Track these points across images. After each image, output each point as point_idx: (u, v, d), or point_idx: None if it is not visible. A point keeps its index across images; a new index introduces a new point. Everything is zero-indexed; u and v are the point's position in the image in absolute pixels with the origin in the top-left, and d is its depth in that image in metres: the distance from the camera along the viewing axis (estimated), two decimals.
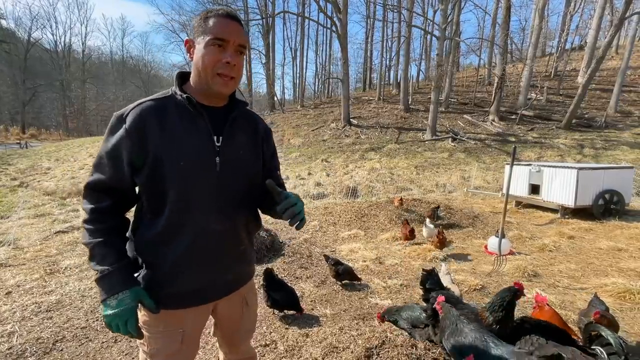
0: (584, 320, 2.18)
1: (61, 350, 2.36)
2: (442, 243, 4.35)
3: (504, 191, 5.59)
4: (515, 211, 6.94)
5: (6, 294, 3.16)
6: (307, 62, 35.37)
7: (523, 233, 5.21)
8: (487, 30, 29.51)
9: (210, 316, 1.26)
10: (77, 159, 16.29)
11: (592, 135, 13.85)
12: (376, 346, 2.02)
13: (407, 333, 2.20)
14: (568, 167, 6.12)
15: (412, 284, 3.42)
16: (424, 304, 2.37)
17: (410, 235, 4.70)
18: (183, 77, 1.13)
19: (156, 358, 1.11)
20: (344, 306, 3.00)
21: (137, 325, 0.99)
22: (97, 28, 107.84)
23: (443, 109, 18.30)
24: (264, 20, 24.83)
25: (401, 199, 6.41)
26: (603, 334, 1.68)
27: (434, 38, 18.53)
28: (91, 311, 2.86)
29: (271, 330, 2.59)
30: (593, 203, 5.97)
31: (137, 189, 1.07)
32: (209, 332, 2.25)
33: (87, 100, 44.16)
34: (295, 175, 11.25)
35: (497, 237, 4.17)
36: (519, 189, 6.94)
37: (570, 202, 5.98)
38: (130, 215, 1.10)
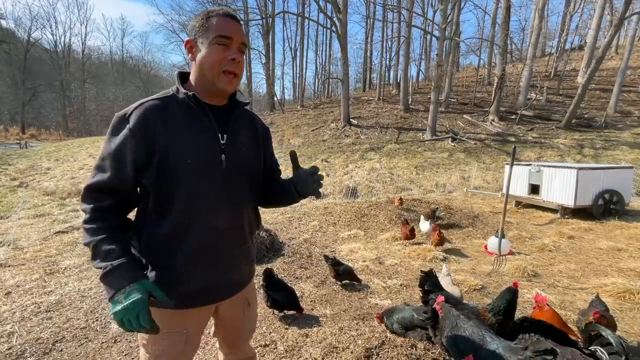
0: (582, 320, 2.18)
1: (61, 350, 2.35)
2: (441, 240, 4.39)
3: (504, 191, 5.59)
4: (515, 211, 6.94)
5: (6, 294, 3.16)
6: (307, 62, 35.46)
7: (523, 233, 5.21)
8: (487, 30, 29.50)
9: (211, 317, 1.26)
10: (77, 159, 16.28)
11: (591, 135, 13.86)
12: (376, 346, 2.02)
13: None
14: (568, 167, 6.12)
15: (412, 284, 3.42)
16: (416, 305, 2.39)
17: (410, 235, 4.70)
18: (183, 77, 1.13)
19: (160, 359, 1.10)
20: (344, 306, 3.00)
21: (151, 317, 0.90)
22: (97, 28, 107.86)
23: (443, 109, 18.30)
24: (263, 20, 24.82)
25: (401, 199, 6.42)
26: (603, 333, 1.68)
27: (433, 38, 18.53)
28: (91, 311, 2.85)
29: (271, 331, 2.59)
30: (593, 203, 5.98)
31: (138, 190, 1.07)
32: (208, 333, 2.24)
33: (87, 101, 44.15)
34: None
35: (497, 237, 4.17)
36: (519, 189, 6.94)
37: (570, 202, 5.98)
38: (130, 215, 1.10)
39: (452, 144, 14.28)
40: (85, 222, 0.98)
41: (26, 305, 2.93)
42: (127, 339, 2.48)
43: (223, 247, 1.12)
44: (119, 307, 0.88)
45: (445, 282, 2.79)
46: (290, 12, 28.33)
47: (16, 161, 15.81)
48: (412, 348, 1.98)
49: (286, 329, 2.62)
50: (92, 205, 0.98)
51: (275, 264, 3.87)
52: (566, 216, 6.15)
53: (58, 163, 15.65)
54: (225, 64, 1.03)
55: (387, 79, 31.05)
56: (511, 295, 1.89)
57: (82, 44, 43.91)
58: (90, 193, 1.00)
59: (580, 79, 17.32)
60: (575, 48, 28.36)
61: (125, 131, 0.97)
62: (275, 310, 2.79)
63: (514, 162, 4.96)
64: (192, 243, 1.05)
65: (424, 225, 4.78)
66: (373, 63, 34.34)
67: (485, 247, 4.52)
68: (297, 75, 31.24)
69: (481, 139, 14.63)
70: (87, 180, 1.01)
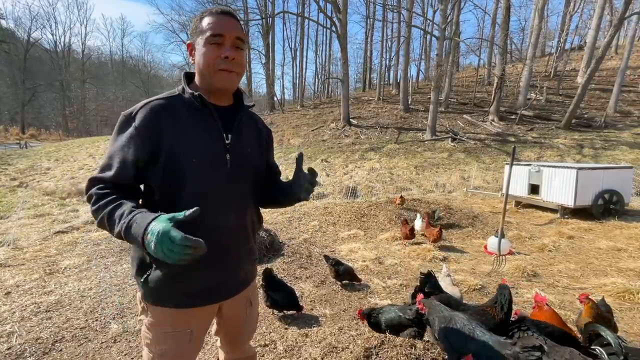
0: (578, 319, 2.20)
1: (60, 350, 2.35)
2: (438, 237, 4.52)
3: (504, 191, 5.59)
4: (515, 211, 6.94)
5: (5, 294, 3.16)
6: (306, 62, 35.46)
7: (522, 233, 5.21)
8: (486, 30, 29.54)
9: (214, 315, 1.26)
10: (77, 159, 16.28)
11: (591, 135, 13.86)
12: (375, 346, 2.02)
13: None
14: (567, 167, 6.13)
15: (412, 284, 3.41)
16: (400, 305, 2.42)
17: (410, 235, 4.70)
18: (189, 78, 1.14)
19: (164, 358, 1.10)
20: (344, 306, 3.00)
21: (184, 235, 0.80)
22: (96, 28, 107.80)
23: (443, 109, 18.31)
24: (263, 20, 24.82)
25: (402, 197, 6.43)
26: (602, 334, 1.67)
27: (433, 38, 18.53)
28: (90, 311, 2.85)
29: (270, 330, 2.59)
30: (592, 203, 5.98)
31: (142, 187, 1.07)
32: (209, 332, 2.25)
33: (87, 101, 44.11)
34: None
35: (497, 237, 4.17)
36: (519, 189, 6.95)
37: (569, 202, 5.98)
38: None
39: (452, 144, 14.28)
40: (92, 204, 0.95)
41: (26, 305, 2.93)
42: (126, 339, 2.48)
43: (227, 246, 1.12)
44: (152, 247, 0.81)
45: (445, 282, 2.79)
46: (290, 12, 28.38)
47: (16, 161, 15.81)
48: (412, 348, 1.98)
49: (286, 328, 2.62)
50: (95, 188, 0.97)
51: (275, 264, 3.87)
52: (566, 216, 6.15)
53: (58, 163, 15.65)
54: (219, 63, 1.03)
55: (387, 79, 31.08)
56: (508, 292, 1.98)
57: (82, 44, 43.98)
58: (94, 182, 0.98)
59: (580, 79, 17.33)
60: (575, 48, 28.37)
61: (130, 129, 0.98)
62: (274, 310, 2.79)
63: (514, 162, 4.97)
64: None
65: (418, 222, 4.93)
66: (373, 63, 34.40)
67: (485, 247, 4.52)
68: (297, 75, 31.29)
69: (481, 139, 14.63)
70: (92, 174, 1.01)
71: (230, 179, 1.09)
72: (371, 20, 30.35)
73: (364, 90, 32.80)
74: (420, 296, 2.03)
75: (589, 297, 2.30)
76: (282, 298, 2.70)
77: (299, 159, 1.16)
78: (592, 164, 9.50)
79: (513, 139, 14.20)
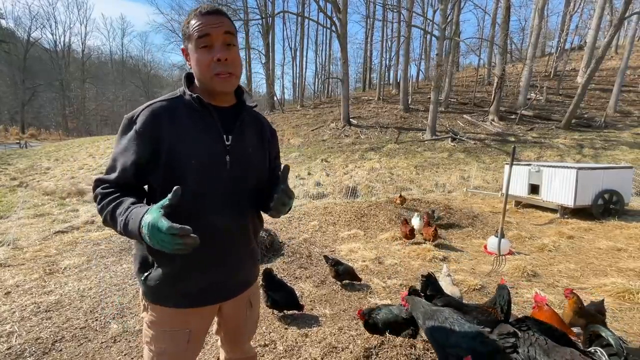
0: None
1: (60, 350, 2.35)
2: (434, 236, 4.60)
3: (504, 191, 5.59)
4: (515, 211, 6.94)
5: (5, 294, 3.16)
6: (306, 62, 35.45)
7: (522, 233, 5.21)
8: (486, 30, 29.53)
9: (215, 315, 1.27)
10: (77, 159, 16.29)
11: (591, 135, 13.86)
12: (375, 346, 2.02)
13: None
14: (567, 167, 6.13)
15: (412, 284, 3.41)
16: (382, 303, 2.44)
17: (410, 235, 4.70)
18: (190, 79, 1.14)
19: (162, 357, 1.11)
20: (343, 306, 3.00)
21: (170, 224, 0.80)
22: (96, 28, 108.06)
23: (443, 109, 18.30)
24: (263, 20, 24.81)
25: (403, 197, 6.43)
26: (603, 334, 1.67)
27: (433, 38, 18.52)
28: (90, 311, 2.85)
29: (270, 330, 2.59)
30: (592, 203, 5.98)
31: (146, 187, 1.09)
32: (209, 332, 2.25)
33: (87, 100, 44.11)
34: (295, 175, 11.24)
35: (497, 237, 4.17)
36: (519, 188, 6.94)
37: (569, 202, 5.98)
38: None
39: (452, 144, 14.28)
40: (98, 203, 0.99)
41: (26, 305, 2.93)
42: (126, 339, 2.48)
43: (227, 247, 1.12)
44: (148, 240, 0.83)
45: (445, 282, 2.80)
46: (290, 11, 28.37)
47: (16, 161, 15.80)
48: (412, 348, 1.98)
49: (286, 328, 2.62)
50: (100, 188, 1.00)
51: (274, 264, 3.87)
52: (566, 216, 6.15)
53: (58, 163, 15.65)
54: (214, 67, 1.02)
55: (387, 78, 31.09)
56: (507, 292, 2.07)
57: (82, 44, 44.03)
58: (99, 182, 1.02)
59: (580, 79, 17.32)
60: (575, 48, 28.37)
61: (132, 132, 1.00)
62: (274, 310, 2.79)
63: (514, 162, 4.97)
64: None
65: (415, 221, 4.96)
66: (373, 63, 34.41)
67: (485, 247, 4.53)
68: (297, 75, 31.29)
69: (481, 139, 14.63)
70: (98, 175, 1.05)
71: (231, 180, 1.09)
72: (371, 20, 30.37)
73: (364, 90, 32.80)
74: (404, 293, 2.08)
75: (574, 291, 2.38)
76: (282, 298, 2.70)
77: (284, 173, 1.12)
78: (592, 164, 9.49)
79: (513, 139, 14.20)
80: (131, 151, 1.00)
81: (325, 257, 3.60)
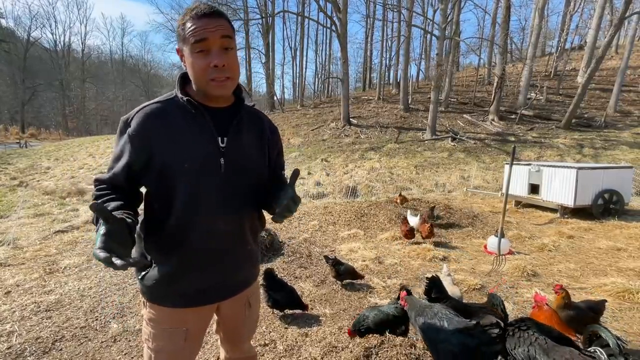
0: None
1: (60, 349, 2.35)
2: (429, 233, 4.63)
3: (504, 191, 5.59)
4: (515, 211, 6.94)
5: (5, 293, 3.16)
6: (306, 62, 35.41)
7: (522, 233, 5.21)
8: (487, 30, 29.54)
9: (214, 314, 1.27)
10: (77, 159, 16.29)
11: (591, 135, 13.86)
12: (375, 346, 2.02)
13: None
14: (567, 167, 6.13)
15: (412, 284, 3.42)
16: (382, 303, 2.46)
17: (410, 234, 4.70)
18: (185, 79, 1.11)
19: (160, 355, 1.12)
20: (344, 306, 3.00)
21: (105, 256, 0.79)
22: (96, 27, 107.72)
23: (443, 109, 18.30)
24: (263, 19, 24.80)
25: (403, 196, 6.42)
26: (602, 334, 1.68)
27: (433, 38, 18.51)
28: (90, 311, 2.86)
29: (270, 330, 2.59)
30: (592, 203, 5.98)
31: (142, 189, 1.10)
32: (209, 331, 2.25)
33: (87, 100, 44.09)
34: None
35: (497, 236, 4.18)
36: (519, 188, 6.94)
37: (569, 202, 5.98)
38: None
39: (452, 144, 14.28)
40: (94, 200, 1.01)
41: (26, 305, 2.93)
42: (126, 339, 2.48)
43: (223, 249, 1.12)
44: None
45: (445, 282, 2.79)
46: (290, 11, 28.38)
47: (16, 160, 15.80)
48: (412, 347, 1.98)
49: (286, 328, 2.62)
50: (95, 188, 1.04)
51: (275, 264, 3.87)
52: (566, 216, 6.15)
53: (58, 162, 15.64)
54: (210, 73, 0.99)
55: (387, 78, 31.08)
56: (498, 298, 2.23)
57: (82, 43, 44.00)
58: (95, 182, 1.06)
59: (580, 79, 17.32)
60: (575, 48, 28.35)
61: (125, 136, 1.02)
62: (275, 310, 2.79)
63: (514, 162, 4.97)
64: (190, 245, 1.06)
65: (412, 219, 4.97)
66: (373, 63, 34.40)
67: (485, 246, 4.53)
68: (297, 74, 31.27)
69: (481, 139, 14.63)
70: (97, 174, 1.07)
71: (225, 182, 1.07)
72: (371, 19, 30.36)
73: (364, 89, 32.78)
74: (403, 293, 2.08)
75: (563, 287, 2.45)
76: (283, 298, 2.70)
77: (293, 177, 1.09)
78: (592, 163, 9.50)
79: (513, 139, 14.20)
80: (125, 154, 1.01)
81: (326, 257, 3.60)
